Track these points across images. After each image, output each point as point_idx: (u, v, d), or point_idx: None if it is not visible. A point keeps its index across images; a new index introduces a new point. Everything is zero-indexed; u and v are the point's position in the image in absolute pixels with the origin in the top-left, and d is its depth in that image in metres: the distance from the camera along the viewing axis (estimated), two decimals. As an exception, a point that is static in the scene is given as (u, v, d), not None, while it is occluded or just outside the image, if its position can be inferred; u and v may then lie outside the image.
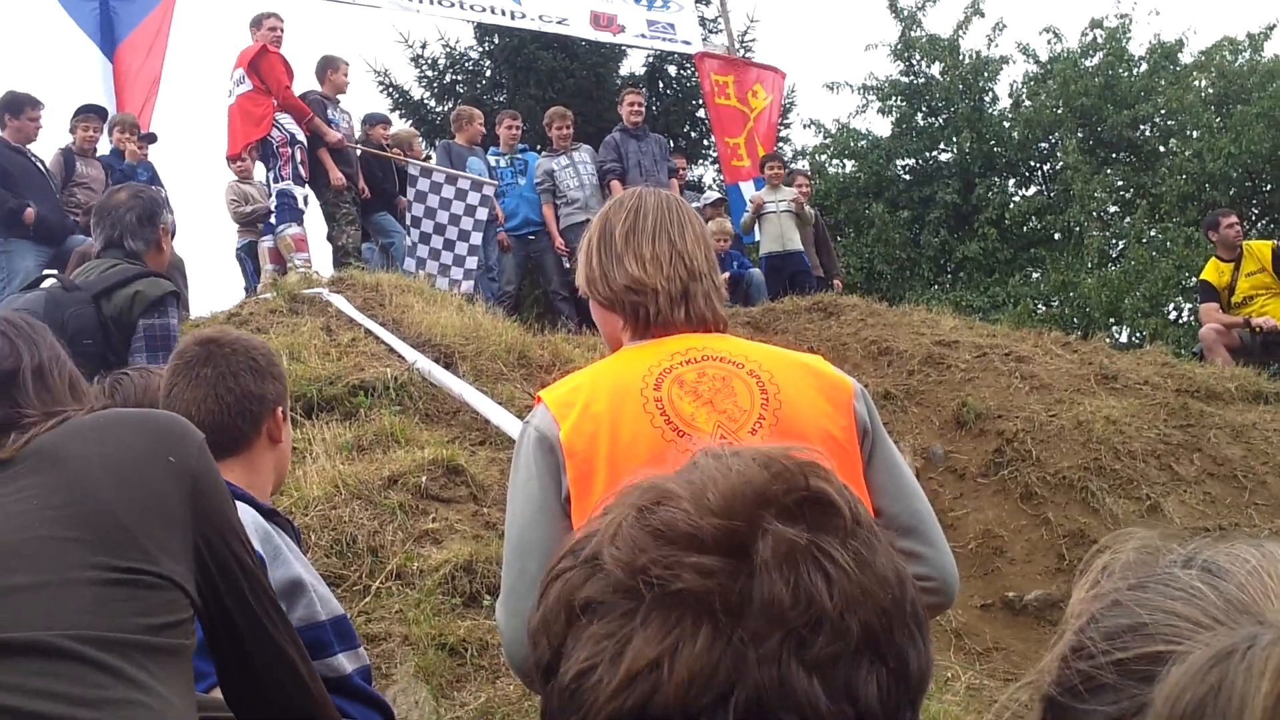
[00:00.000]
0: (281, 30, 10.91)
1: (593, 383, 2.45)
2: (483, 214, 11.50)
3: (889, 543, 0.97)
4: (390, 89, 20.59)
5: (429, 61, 20.76)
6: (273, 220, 10.78)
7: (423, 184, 11.38)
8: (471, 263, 11.51)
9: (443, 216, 11.33)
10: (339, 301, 8.67)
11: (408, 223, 11.42)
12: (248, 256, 11.90)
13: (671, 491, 0.92)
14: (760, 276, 12.50)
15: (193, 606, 1.90)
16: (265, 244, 11.13)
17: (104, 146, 10.74)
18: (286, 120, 10.51)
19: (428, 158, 13.28)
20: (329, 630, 2.66)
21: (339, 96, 11.37)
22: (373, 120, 12.37)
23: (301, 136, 10.61)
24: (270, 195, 10.90)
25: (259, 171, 11.57)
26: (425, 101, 20.82)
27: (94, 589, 1.76)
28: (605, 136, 12.65)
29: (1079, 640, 0.90)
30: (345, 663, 2.67)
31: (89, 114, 10.47)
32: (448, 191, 11.36)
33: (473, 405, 7.04)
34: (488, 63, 20.96)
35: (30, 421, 1.97)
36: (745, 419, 2.36)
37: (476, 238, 11.52)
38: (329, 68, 11.31)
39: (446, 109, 19.67)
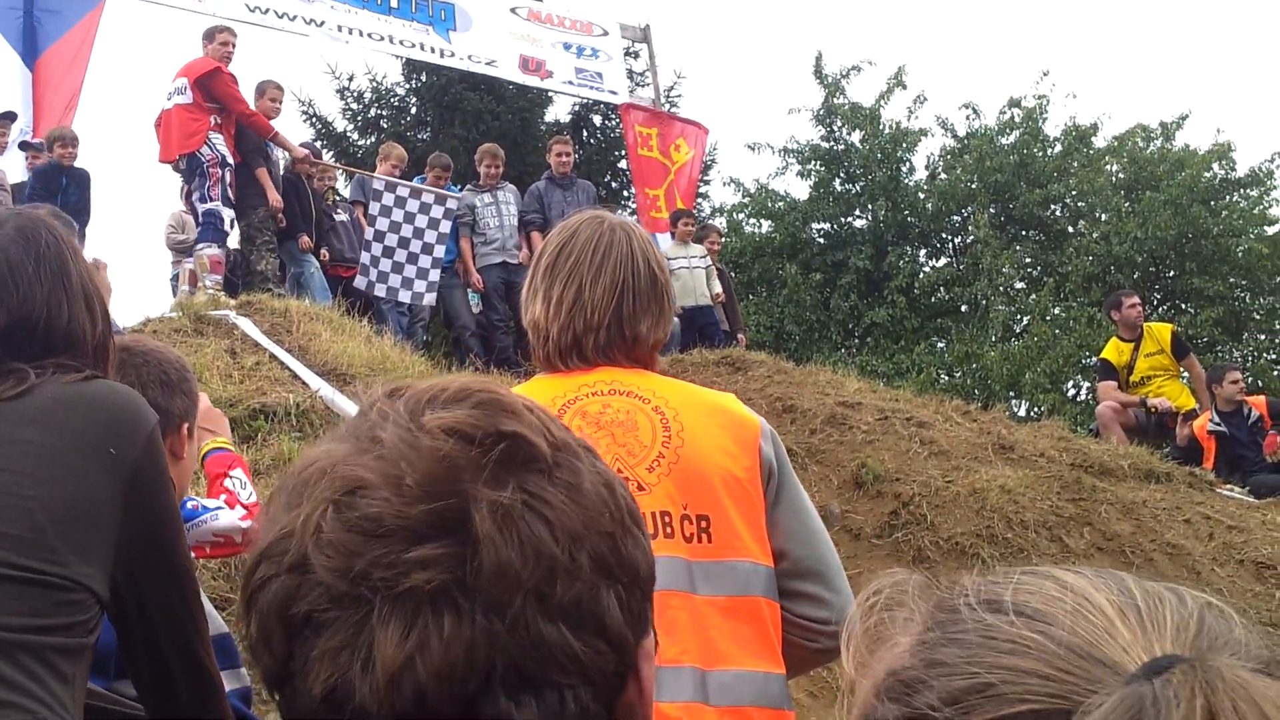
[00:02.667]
0: (233, 47, 10.86)
1: None
2: (446, 227, 11.50)
3: (583, 448, 0.96)
4: (314, 119, 20.51)
5: (355, 94, 20.71)
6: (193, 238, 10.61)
7: (387, 198, 11.32)
8: (434, 275, 11.49)
9: (407, 230, 11.29)
10: (245, 325, 8.59)
11: (369, 237, 11.33)
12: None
13: (364, 480, 0.87)
14: (677, 328, 12.53)
15: (99, 604, 1.88)
16: (187, 264, 10.98)
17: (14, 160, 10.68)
18: (219, 141, 10.39)
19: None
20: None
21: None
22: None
23: (231, 159, 10.51)
24: (195, 212, 10.74)
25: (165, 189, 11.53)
26: (349, 134, 20.73)
27: None
28: (530, 184, 12.67)
29: (911, 709, 0.85)
30: (224, 682, 2.64)
31: (1, 118, 10.36)
32: (411, 205, 11.33)
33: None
34: (414, 99, 20.90)
35: None
36: (645, 454, 2.36)
37: (440, 251, 11.49)
38: (262, 93, 11.24)
39: (370, 142, 19.62)
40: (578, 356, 2.51)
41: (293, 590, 0.86)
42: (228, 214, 10.50)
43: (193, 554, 2.51)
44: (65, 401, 1.98)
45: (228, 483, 3.26)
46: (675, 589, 2.26)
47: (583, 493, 0.91)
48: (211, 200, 10.38)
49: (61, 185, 10.24)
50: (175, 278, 11.89)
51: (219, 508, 3.13)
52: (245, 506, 3.21)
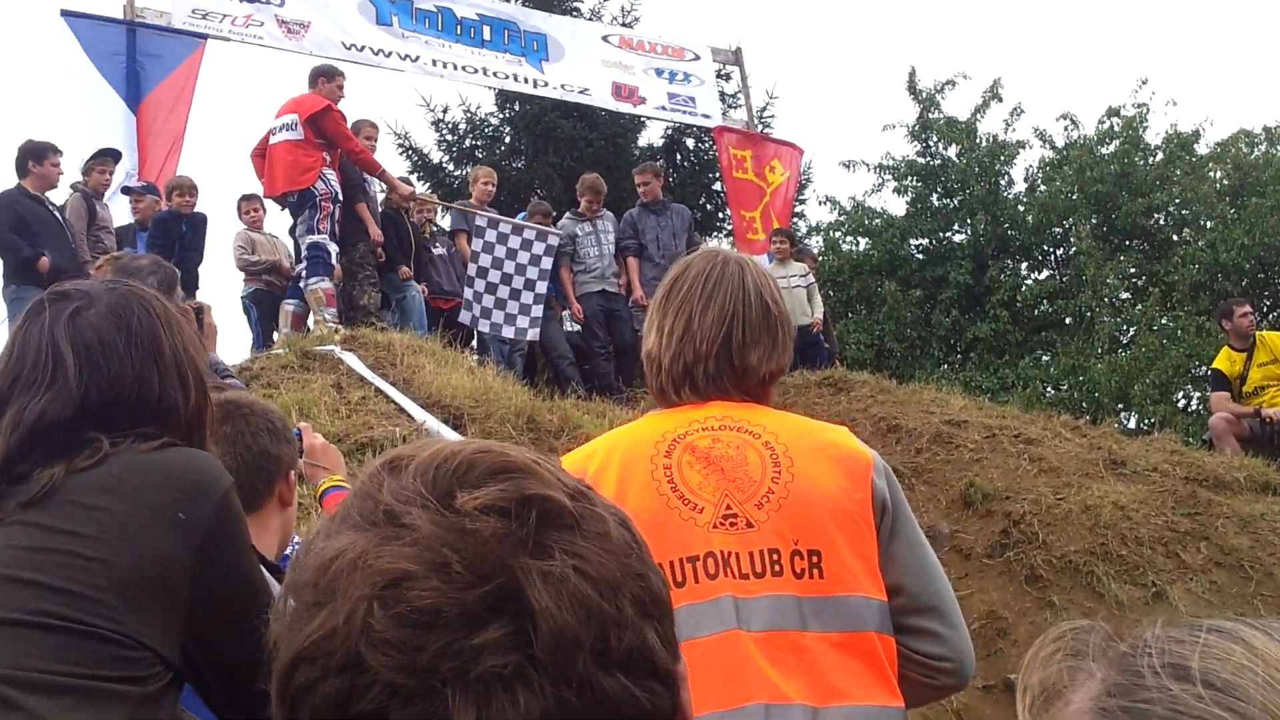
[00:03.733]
0: (343, 91, 11.09)
1: (608, 448, 2.47)
2: (547, 264, 11.58)
3: (589, 488, 0.98)
4: (410, 151, 20.78)
5: (449, 125, 20.96)
6: (303, 272, 10.73)
7: (490, 234, 11.43)
8: (537, 311, 11.56)
9: (510, 266, 11.38)
10: (350, 359, 8.69)
11: (471, 273, 11.41)
12: (253, 304, 11.88)
13: (407, 571, 0.85)
14: None
15: (165, 664, 1.92)
16: (289, 306, 11.15)
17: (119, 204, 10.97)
18: (332, 177, 10.57)
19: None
20: None
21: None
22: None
23: (341, 196, 10.68)
24: (299, 247, 10.87)
25: (270, 223, 11.72)
26: (444, 165, 20.99)
27: (15, 630, 1.81)
28: (625, 210, 12.73)
29: None
30: None
31: (105, 157, 10.60)
32: (514, 242, 11.43)
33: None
34: (507, 128, 21.13)
35: (79, 453, 2.01)
36: (755, 490, 2.36)
37: (542, 287, 11.57)
38: (358, 131, 11.35)
39: (465, 173, 19.85)
40: (690, 388, 2.53)
41: (347, 692, 0.85)
42: (333, 248, 10.63)
43: None
44: (138, 469, 2.02)
45: None
46: (783, 628, 2.26)
47: (611, 540, 0.93)
48: (319, 233, 10.51)
49: (181, 233, 10.46)
50: (249, 296, 11.96)
51: None
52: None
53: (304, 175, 10.49)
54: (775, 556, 2.30)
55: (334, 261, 10.64)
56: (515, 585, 0.85)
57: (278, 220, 12.18)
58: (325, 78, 10.97)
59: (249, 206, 12.07)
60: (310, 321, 10.60)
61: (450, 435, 7.39)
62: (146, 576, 1.91)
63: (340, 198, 10.68)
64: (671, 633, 0.96)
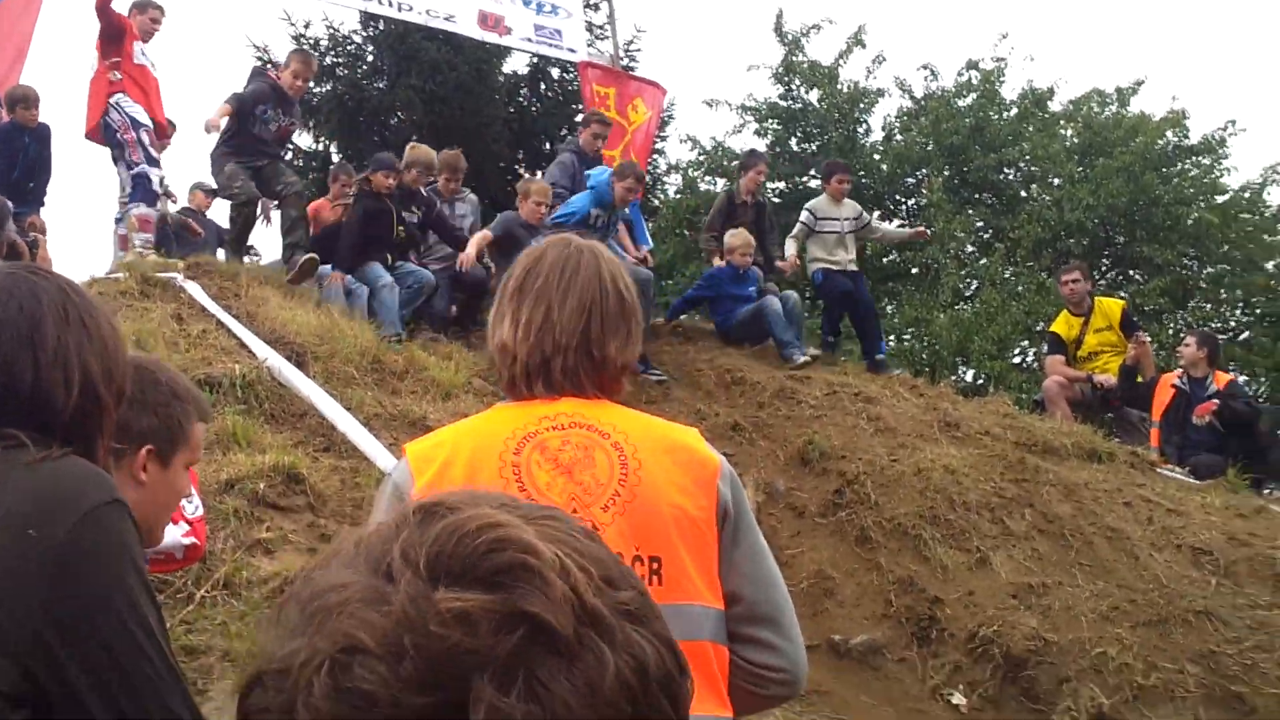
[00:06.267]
0: (159, 27, 10.56)
1: (455, 440, 2.44)
2: None
3: (622, 614, 0.89)
4: (270, 65, 20.22)
5: (310, 42, 20.38)
6: (125, 200, 10.35)
7: None
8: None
9: None
10: (193, 289, 8.50)
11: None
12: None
13: (364, 645, 0.81)
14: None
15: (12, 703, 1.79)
16: (120, 230, 10.76)
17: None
18: (125, 101, 10.06)
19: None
20: None
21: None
22: (378, 165, 10.90)
23: (146, 118, 10.16)
24: (126, 182, 10.37)
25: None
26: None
27: None
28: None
29: None
30: None
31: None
32: None
33: (320, 410, 6.96)
34: (370, 48, 20.67)
35: None
36: (601, 492, 2.35)
37: None
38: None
39: (326, 90, 19.41)
40: (544, 381, 2.49)
41: None
42: (155, 174, 10.25)
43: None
44: (12, 482, 1.89)
45: None
46: None
47: (603, 688, 0.83)
48: (136, 164, 10.09)
49: (24, 144, 10.07)
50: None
51: None
52: (189, 521, 3.07)
53: (95, 113, 10.05)
54: None
55: (156, 188, 10.29)
56: (460, 705, 0.79)
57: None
58: (139, 9, 10.47)
59: None
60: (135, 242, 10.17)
61: (292, 375, 7.29)
62: None
63: (141, 121, 10.10)
64: None
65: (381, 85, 19.72)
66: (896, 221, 22.92)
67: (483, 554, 0.86)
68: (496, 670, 0.80)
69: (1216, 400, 10.68)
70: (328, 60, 20.45)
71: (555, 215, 10.46)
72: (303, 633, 0.84)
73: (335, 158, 19.55)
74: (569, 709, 0.81)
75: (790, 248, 12.31)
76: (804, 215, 12.41)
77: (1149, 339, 12.25)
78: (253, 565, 5.26)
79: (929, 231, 14.37)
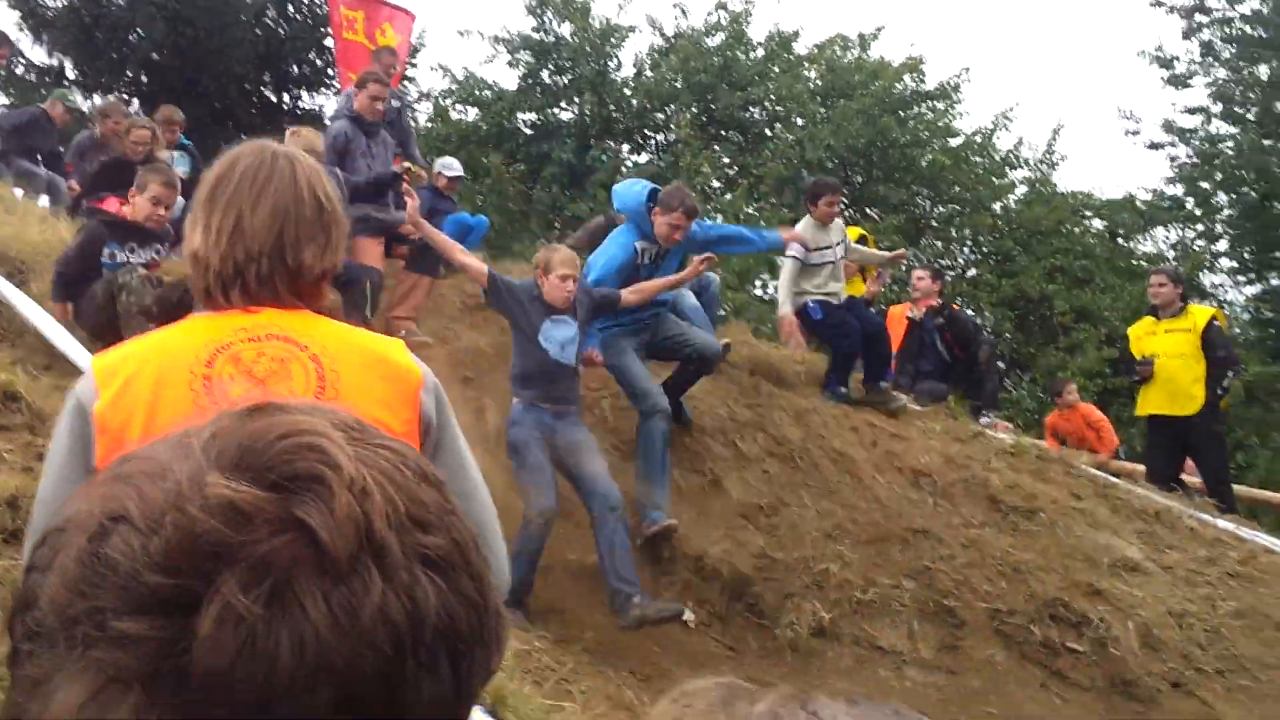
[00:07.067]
0: None
1: (143, 353, 2.32)
2: None
3: (414, 555, 0.79)
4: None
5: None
6: None
7: None
8: None
9: None
10: (-100, 199, 8.03)
11: None
12: None
13: (129, 513, 0.74)
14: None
15: None
16: None
17: None
18: None
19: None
20: None
21: None
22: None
23: None
24: None
25: None
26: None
27: None
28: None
29: None
30: None
31: None
32: None
33: (39, 327, 6.68)
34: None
35: None
36: None
37: None
38: None
39: (61, 3, 18.46)
40: (240, 290, 2.40)
41: (25, 600, 0.77)
42: None
43: None
44: None
45: None
46: None
47: (361, 619, 0.74)
48: None
49: None
50: None
51: None
52: None
53: None
54: None
55: None
56: (195, 596, 0.72)
57: None
58: None
59: None
60: None
61: (9, 291, 6.97)
62: None
63: None
64: None
65: (121, 3, 18.87)
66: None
67: (283, 456, 0.78)
68: (246, 568, 0.73)
69: (940, 299, 11.37)
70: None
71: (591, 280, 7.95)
72: (96, 494, 0.79)
73: (71, 74, 18.66)
74: (315, 629, 0.73)
75: (785, 306, 10.07)
76: (793, 250, 9.93)
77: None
78: (-36, 484, 5.03)
79: (906, 254, 14.23)
